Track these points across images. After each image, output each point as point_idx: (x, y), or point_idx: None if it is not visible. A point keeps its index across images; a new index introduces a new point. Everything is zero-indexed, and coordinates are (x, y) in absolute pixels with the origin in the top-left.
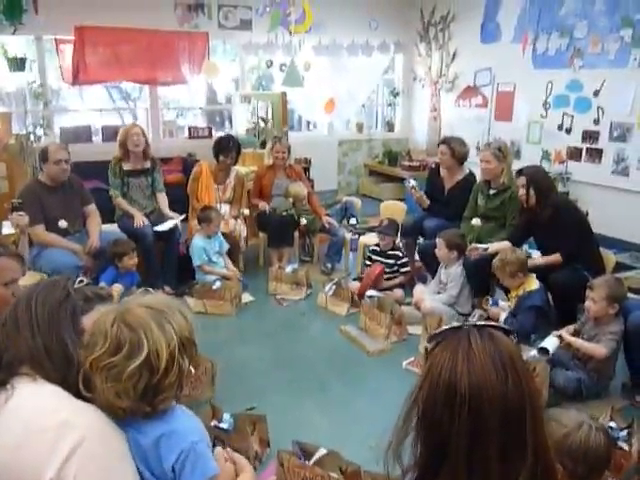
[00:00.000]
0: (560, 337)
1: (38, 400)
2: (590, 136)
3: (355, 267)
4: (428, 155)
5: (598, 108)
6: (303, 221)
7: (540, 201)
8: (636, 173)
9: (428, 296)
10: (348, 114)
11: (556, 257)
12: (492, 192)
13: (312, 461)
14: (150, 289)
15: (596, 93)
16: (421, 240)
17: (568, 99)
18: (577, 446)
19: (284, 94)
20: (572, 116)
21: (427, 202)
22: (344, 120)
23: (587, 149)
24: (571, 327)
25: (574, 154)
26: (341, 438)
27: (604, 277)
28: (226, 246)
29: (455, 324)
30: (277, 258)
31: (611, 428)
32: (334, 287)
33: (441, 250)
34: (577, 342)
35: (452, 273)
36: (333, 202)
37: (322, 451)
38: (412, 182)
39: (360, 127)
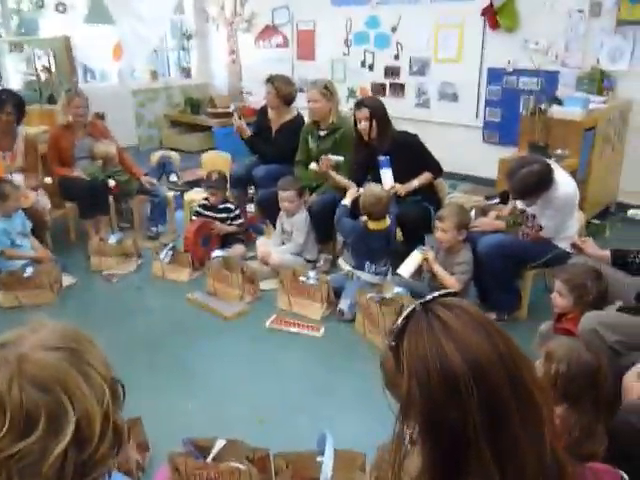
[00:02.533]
0: (426, 259)
1: None
2: (392, 72)
3: (183, 227)
4: (232, 101)
5: (397, 44)
6: (111, 182)
7: (382, 133)
8: (436, 105)
9: (274, 248)
10: (139, 60)
11: (427, 176)
12: (322, 133)
13: (211, 457)
14: None
15: (394, 29)
16: (252, 190)
17: (368, 36)
18: None
19: (67, 39)
20: (373, 53)
21: (248, 132)
22: (135, 67)
23: (390, 84)
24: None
25: (378, 90)
26: (224, 420)
27: (449, 207)
28: (29, 224)
29: (408, 309)
30: (94, 229)
31: None
32: (170, 252)
33: (292, 202)
34: (438, 269)
35: (297, 221)
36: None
37: (220, 442)
38: (233, 106)
39: (154, 74)
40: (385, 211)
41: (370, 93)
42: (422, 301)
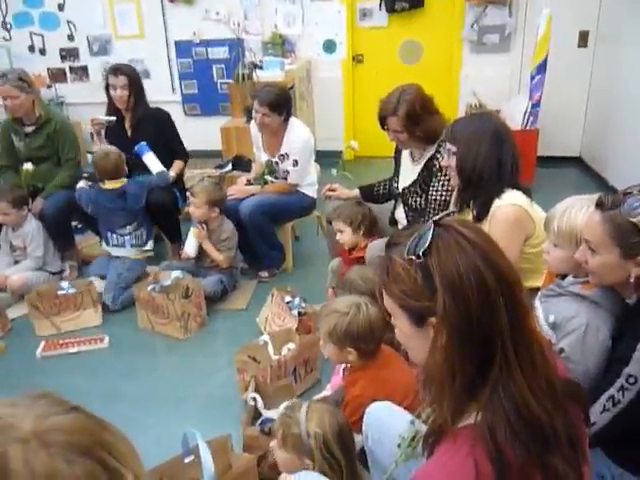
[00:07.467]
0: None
1: None
2: (69, 54)
3: None
4: None
5: (69, 23)
6: None
7: (138, 103)
8: None
9: (9, 271)
10: None
11: (180, 164)
12: (30, 129)
13: None
14: None
15: (61, 7)
16: None
17: (31, 16)
18: (363, 327)
19: None
20: (42, 35)
21: None
22: None
23: (71, 68)
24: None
25: (58, 76)
26: None
27: (203, 183)
28: None
29: (428, 229)
30: None
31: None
32: None
33: (7, 214)
34: (207, 246)
35: (28, 233)
36: None
37: None
38: None
39: None
40: (117, 170)
41: (47, 81)
42: (436, 220)
